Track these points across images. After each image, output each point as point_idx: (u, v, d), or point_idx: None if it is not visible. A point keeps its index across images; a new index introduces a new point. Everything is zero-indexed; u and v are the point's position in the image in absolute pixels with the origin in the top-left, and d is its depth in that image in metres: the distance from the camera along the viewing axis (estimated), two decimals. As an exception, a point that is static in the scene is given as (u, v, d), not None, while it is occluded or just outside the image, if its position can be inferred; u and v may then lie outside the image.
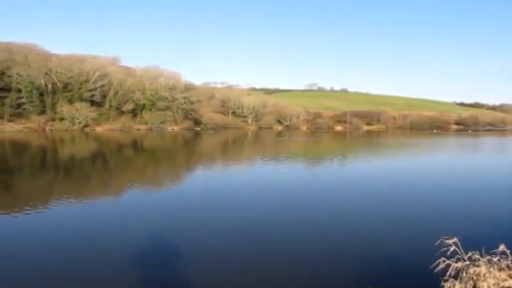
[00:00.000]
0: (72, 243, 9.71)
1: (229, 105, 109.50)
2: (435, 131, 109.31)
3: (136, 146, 49.65)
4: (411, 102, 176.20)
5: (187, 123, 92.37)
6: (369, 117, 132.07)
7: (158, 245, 9.70)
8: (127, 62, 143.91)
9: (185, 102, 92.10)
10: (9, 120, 71.91)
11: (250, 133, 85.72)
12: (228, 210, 13.50)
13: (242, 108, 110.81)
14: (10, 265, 8.27)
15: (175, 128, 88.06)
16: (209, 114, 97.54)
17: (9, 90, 72.76)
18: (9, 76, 72.39)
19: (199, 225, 11.53)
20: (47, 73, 75.84)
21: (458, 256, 4.50)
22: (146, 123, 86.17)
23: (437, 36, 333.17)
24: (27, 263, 8.39)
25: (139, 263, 8.29)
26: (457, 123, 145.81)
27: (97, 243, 9.73)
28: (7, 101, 72.05)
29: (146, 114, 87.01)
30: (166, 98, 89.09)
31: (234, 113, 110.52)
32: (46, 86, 75.42)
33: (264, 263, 8.50)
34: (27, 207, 13.44)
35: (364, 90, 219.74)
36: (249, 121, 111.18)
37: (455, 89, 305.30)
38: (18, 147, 43.38)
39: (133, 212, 13.23)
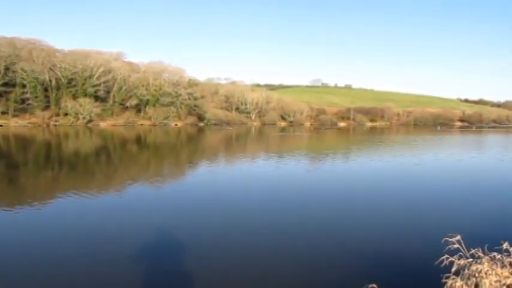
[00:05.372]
0: (74, 239, 9.77)
1: (232, 101, 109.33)
2: (439, 128, 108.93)
3: (140, 141, 49.77)
4: (415, 99, 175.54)
5: (191, 119, 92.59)
6: (372, 114, 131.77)
7: (159, 240, 9.76)
8: (131, 57, 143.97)
9: (189, 98, 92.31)
10: (13, 116, 72.11)
11: (253, 129, 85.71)
12: (229, 206, 13.54)
13: (246, 104, 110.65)
14: (12, 260, 8.34)
15: (179, 124, 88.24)
16: (213, 110, 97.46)
17: (13, 85, 72.98)
18: (13, 71, 72.58)
19: (200, 221, 11.58)
20: (51, 68, 76.07)
21: (461, 253, 4.52)
22: (150, 118, 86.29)
23: (442, 32, 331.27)
24: (30, 258, 8.45)
25: (140, 259, 8.35)
26: (461, 120, 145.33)
27: (99, 238, 9.80)
28: (11, 96, 72.24)
29: (150, 110, 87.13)
30: (170, 94, 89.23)
31: (237, 109, 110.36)
32: (50, 81, 75.65)
33: (267, 260, 8.54)
34: (30, 202, 13.53)
35: (368, 86, 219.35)
36: (253, 117, 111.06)
37: (460, 85, 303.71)
38: (23, 142, 43.58)
39: (136, 208, 13.28)
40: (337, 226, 11.34)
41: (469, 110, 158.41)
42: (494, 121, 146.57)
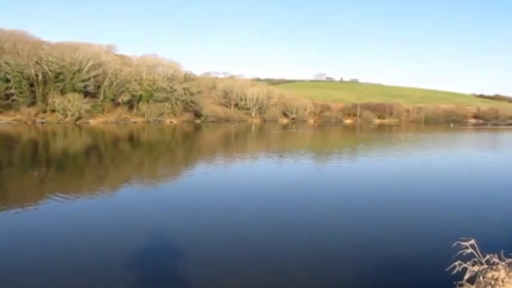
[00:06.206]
0: (64, 243, 9.77)
1: (231, 97, 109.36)
2: (452, 125, 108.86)
3: (132, 140, 49.71)
4: (426, 94, 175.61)
5: (187, 116, 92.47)
6: (380, 110, 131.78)
7: (155, 242, 9.75)
8: (123, 50, 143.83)
9: (185, 94, 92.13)
10: (-3, 112, 72.11)
11: (253, 126, 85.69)
12: (228, 208, 13.53)
13: (245, 100, 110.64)
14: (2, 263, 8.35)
15: (174, 121, 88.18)
16: (210, 106, 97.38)
17: (-4, 80, 72.91)
18: (-4, 65, 72.53)
19: (198, 223, 11.57)
20: (37, 62, 75.90)
21: (476, 259, 4.50)
22: (143, 115, 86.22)
23: (455, 23, 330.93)
24: (18, 263, 8.46)
25: (136, 261, 8.34)
26: (475, 117, 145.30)
27: (89, 242, 9.79)
28: (-5, 91, 72.20)
29: (143, 106, 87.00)
30: (165, 89, 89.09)
31: (236, 105, 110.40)
32: (36, 75, 75.53)
33: (268, 261, 8.53)
34: (17, 205, 13.51)
35: (376, 81, 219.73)
36: (253, 114, 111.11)
37: (475, 80, 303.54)
38: (7, 140, 43.50)
39: (129, 210, 13.27)
40: (343, 228, 11.33)
41: (484, 106, 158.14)
42: (511, 118, 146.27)
